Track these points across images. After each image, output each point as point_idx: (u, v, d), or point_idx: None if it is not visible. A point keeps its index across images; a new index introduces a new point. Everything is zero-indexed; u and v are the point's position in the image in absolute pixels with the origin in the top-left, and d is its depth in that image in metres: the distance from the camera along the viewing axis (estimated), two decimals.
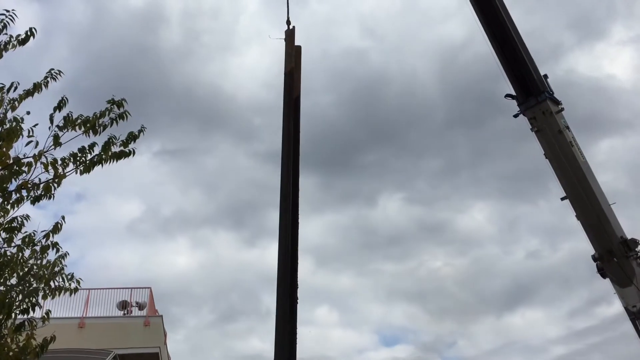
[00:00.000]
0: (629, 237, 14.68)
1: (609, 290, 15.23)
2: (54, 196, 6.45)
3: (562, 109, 14.81)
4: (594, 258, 14.80)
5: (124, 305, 20.32)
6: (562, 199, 14.71)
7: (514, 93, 15.21)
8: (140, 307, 20.69)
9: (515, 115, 15.25)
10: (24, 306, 6.11)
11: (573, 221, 15.53)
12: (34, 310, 6.21)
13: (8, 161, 6.13)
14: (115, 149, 6.73)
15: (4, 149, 6.12)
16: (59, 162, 6.43)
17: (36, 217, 7.00)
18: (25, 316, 6.21)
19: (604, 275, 15.13)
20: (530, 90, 14.88)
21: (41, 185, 6.35)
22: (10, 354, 6.06)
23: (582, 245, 15.26)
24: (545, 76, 15.09)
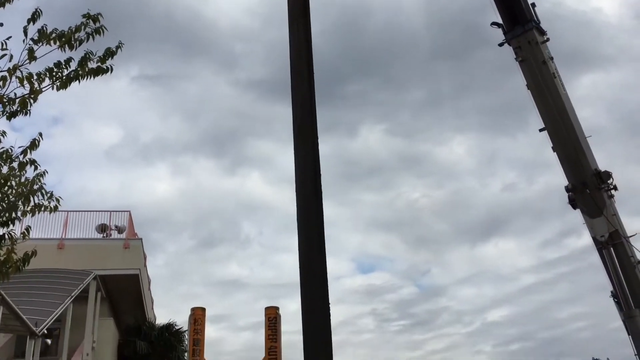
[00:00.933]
0: (602, 170, 15.01)
1: (580, 223, 15.69)
2: (30, 112, 6.31)
3: (548, 40, 14.74)
4: (567, 189, 15.12)
5: (103, 228, 20.39)
6: (541, 130, 14.85)
7: (500, 21, 15.06)
8: (120, 230, 20.79)
9: (501, 44, 15.15)
10: (3, 219, 6.09)
11: (550, 155, 15.77)
12: (13, 224, 6.20)
13: None
14: (92, 65, 6.55)
15: None
16: (35, 77, 6.26)
17: (12, 140, 6.87)
18: (5, 229, 6.20)
19: (574, 206, 15.53)
20: (517, 18, 14.74)
21: (17, 101, 6.20)
22: None
23: (557, 179, 15.60)
24: (533, 4, 14.92)
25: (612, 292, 15.47)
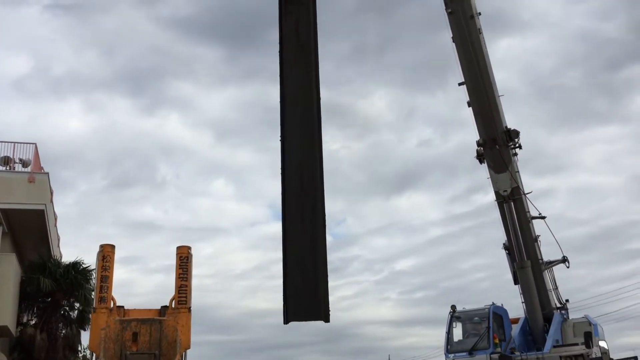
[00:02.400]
0: (512, 128, 15.73)
1: (487, 181, 16.43)
2: None
3: None
4: (478, 144, 15.76)
5: (6, 160, 19.31)
6: (460, 84, 15.32)
7: None
8: (25, 164, 19.77)
9: None
10: None
11: (465, 114, 16.31)
12: None
13: None
14: None
15: None
16: None
17: None
18: None
19: (481, 161, 16.27)
20: None
21: None
22: None
23: (469, 137, 16.22)
24: None
25: (504, 244, 16.44)
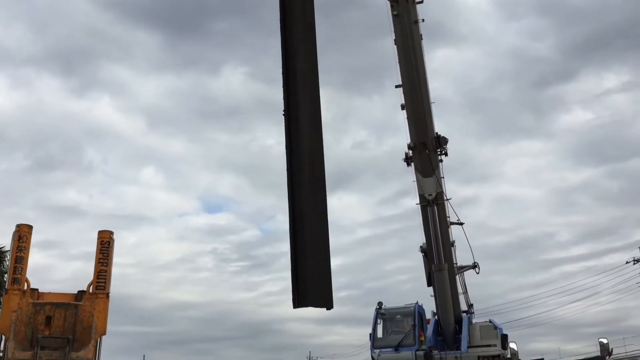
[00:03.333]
0: (442, 135, 16.22)
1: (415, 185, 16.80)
2: None
3: (422, 1, 15.13)
4: (409, 147, 16.11)
5: None
6: (397, 86, 15.57)
7: None
8: None
9: None
10: None
11: (400, 119, 16.59)
12: None
13: None
14: None
15: None
16: None
17: None
18: None
19: (408, 163, 16.63)
20: None
21: None
22: None
23: (402, 142, 16.52)
24: None
25: (421, 247, 16.98)
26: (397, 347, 13.68)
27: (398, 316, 14.60)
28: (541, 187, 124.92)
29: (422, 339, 13.81)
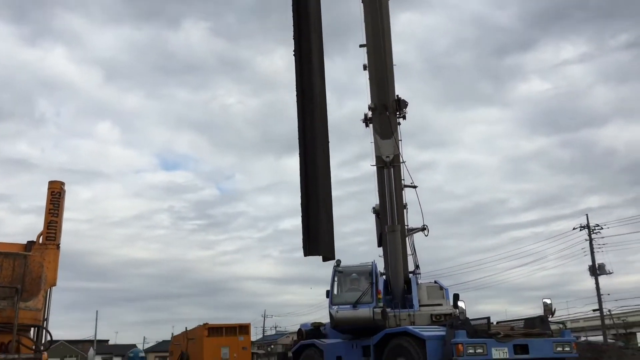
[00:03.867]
0: (402, 98, 16.30)
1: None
2: None
3: None
4: (370, 108, 16.11)
5: None
6: (362, 45, 15.48)
7: None
8: None
9: None
10: None
11: (361, 82, 16.51)
12: None
13: None
14: None
15: None
16: None
17: None
18: None
19: (367, 124, 16.66)
20: None
21: None
22: None
23: (363, 105, 16.53)
24: None
25: (374, 208, 17.13)
26: (355, 304, 13.85)
27: (355, 274, 14.76)
28: (496, 154, 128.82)
29: (380, 296, 14.04)
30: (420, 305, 15.08)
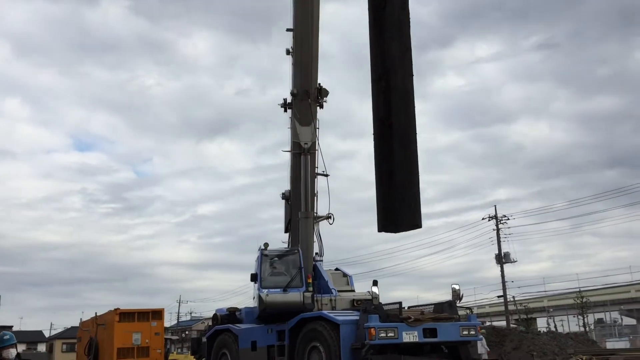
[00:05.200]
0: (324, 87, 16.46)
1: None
2: None
3: None
4: (292, 93, 16.11)
5: None
6: (289, 29, 15.44)
7: None
8: None
9: None
10: None
11: (285, 69, 16.46)
12: None
13: None
14: None
15: None
16: None
17: None
18: None
19: (285, 109, 16.68)
20: None
21: None
22: None
23: (286, 93, 16.52)
24: None
25: (284, 193, 17.17)
26: (285, 288, 13.87)
27: (281, 258, 14.80)
28: None
29: (310, 281, 14.16)
30: (350, 290, 15.36)
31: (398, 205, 5.71)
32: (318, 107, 16.57)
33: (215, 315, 17.16)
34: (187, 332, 62.09)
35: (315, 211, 16.25)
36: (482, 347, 25.44)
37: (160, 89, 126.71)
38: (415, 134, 6.55)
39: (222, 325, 16.28)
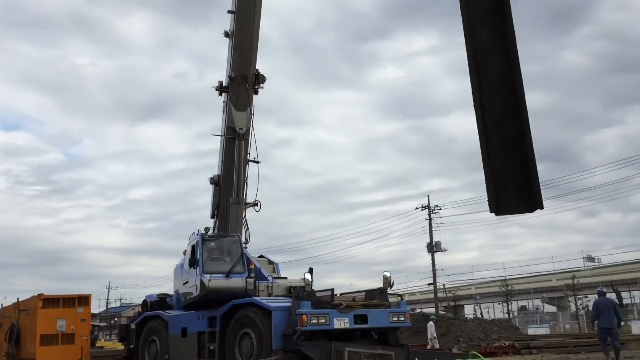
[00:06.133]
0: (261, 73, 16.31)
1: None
2: None
3: None
4: (230, 77, 15.88)
5: None
6: (230, 12, 15.21)
7: None
8: None
9: None
10: None
11: (223, 54, 16.18)
12: None
13: None
14: None
15: None
16: None
17: None
18: None
19: (220, 93, 16.43)
20: None
21: None
22: None
23: (223, 76, 16.16)
24: None
25: (212, 178, 16.84)
26: (228, 274, 13.66)
27: (220, 244, 14.61)
28: (351, 135, 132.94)
29: (252, 267, 14.03)
30: (284, 277, 15.33)
31: (498, 187, 5.56)
32: (254, 94, 16.42)
33: (144, 301, 16.79)
34: (116, 319, 60.63)
35: (245, 197, 16.13)
36: (431, 334, 26.34)
37: (93, 68, 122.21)
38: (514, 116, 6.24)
39: (152, 311, 15.97)
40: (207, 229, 14.44)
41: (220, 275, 13.62)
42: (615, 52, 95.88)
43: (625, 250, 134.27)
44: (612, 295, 53.92)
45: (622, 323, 20.39)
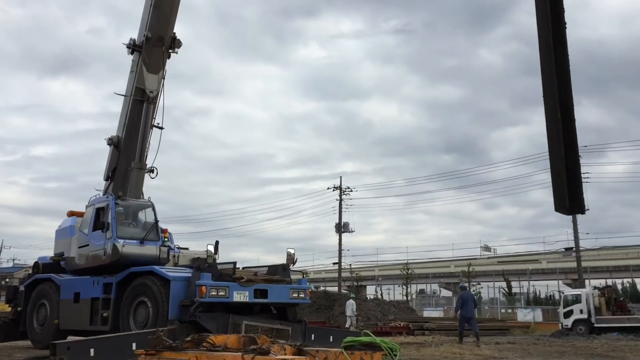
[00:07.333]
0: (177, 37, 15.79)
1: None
2: None
3: None
4: (146, 37, 15.23)
5: None
6: None
7: None
8: None
9: None
10: None
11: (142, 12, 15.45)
12: None
13: None
14: None
15: None
16: None
17: None
18: None
19: (132, 52, 15.75)
20: None
21: None
22: None
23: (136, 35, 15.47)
24: None
25: (110, 138, 15.92)
26: (142, 240, 13.23)
27: (133, 210, 14.14)
28: (270, 110, 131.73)
29: (167, 235, 13.64)
30: (187, 249, 15.06)
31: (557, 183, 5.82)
32: (167, 60, 15.87)
33: (36, 263, 15.99)
34: (7, 280, 57.57)
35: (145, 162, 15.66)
36: (351, 311, 26.92)
37: (2, 14, 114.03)
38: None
39: (43, 274, 15.24)
40: (120, 194, 13.91)
41: (135, 241, 13.27)
42: (526, 55, 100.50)
43: (517, 243, 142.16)
44: (502, 284, 57.21)
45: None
